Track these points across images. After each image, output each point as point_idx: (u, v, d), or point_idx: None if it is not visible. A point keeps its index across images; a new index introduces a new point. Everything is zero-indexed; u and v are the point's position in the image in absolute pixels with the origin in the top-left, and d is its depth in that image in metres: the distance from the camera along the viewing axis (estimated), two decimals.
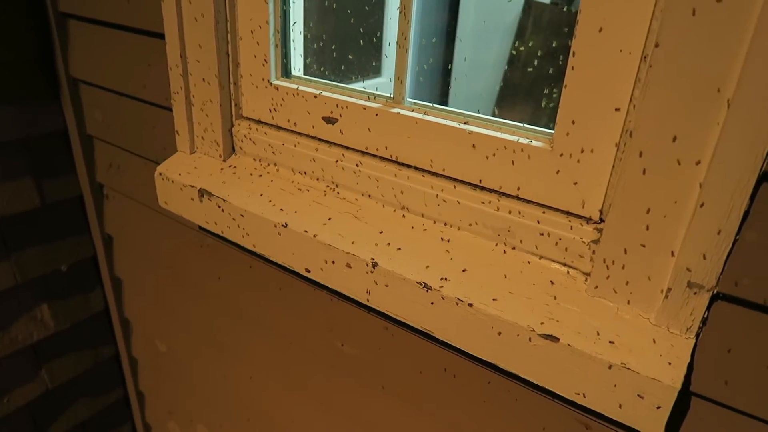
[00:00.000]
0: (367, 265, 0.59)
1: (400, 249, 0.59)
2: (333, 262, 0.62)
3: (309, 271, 0.65)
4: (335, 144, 0.68)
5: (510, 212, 0.55)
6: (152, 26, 0.78)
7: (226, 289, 0.90)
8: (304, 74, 0.73)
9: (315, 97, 0.67)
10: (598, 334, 0.47)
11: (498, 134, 0.55)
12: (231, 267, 0.86)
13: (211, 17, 0.69)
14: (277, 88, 0.70)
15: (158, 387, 1.23)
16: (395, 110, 0.61)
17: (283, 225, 0.65)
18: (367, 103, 0.63)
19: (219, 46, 0.71)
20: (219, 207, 0.72)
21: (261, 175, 0.74)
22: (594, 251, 0.51)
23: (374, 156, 0.65)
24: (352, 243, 0.61)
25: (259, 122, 0.75)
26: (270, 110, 0.73)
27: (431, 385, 0.68)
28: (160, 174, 0.78)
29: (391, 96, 0.62)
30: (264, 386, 0.93)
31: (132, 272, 1.11)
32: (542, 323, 0.49)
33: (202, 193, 0.73)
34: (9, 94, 0.93)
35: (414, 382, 0.70)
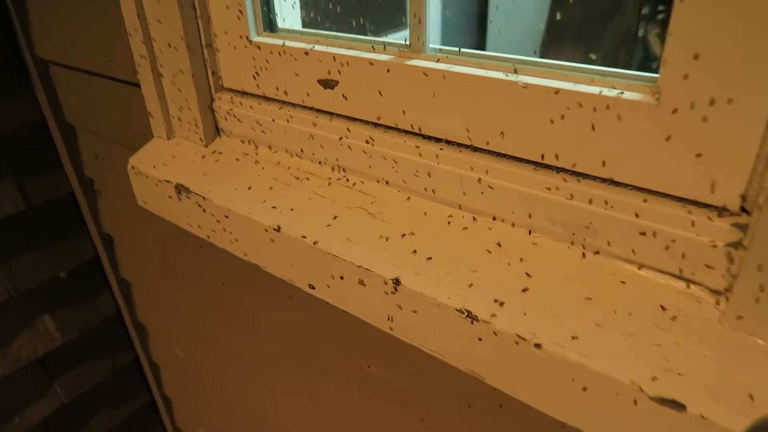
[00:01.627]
0: (386, 283, 0.42)
1: (431, 259, 0.42)
2: (341, 278, 0.46)
3: (313, 288, 0.49)
4: (337, 115, 0.51)
5: (591, 201, 0.37)
6: None
7: (232, 295, 0.75)
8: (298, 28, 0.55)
9: (306, 53, 0.50)
10: (752, 397, 0.29)
11: (566, 85, 0.36)
12: (233, 270, 0.72)
13: None
14: (259, 47, 0.53)
15: (184, 393, 1.12)
16: (413, 62, 0.43)
17: (275, 229, 0.49)
18: (375, 56, 0.45)
19: None
20: (200, 206, 0.56)
21: (254, 162, 0.58)
22: (733, 259, 0.32)
23: (389, 129, 0.48)
24: (365, 251, 0.44)
25: (243, 93, 0.59)
26: (254, 77, 0.56)
27: (483, 423, 0.52)
28: (133, 167, 0.64)
29: (407, 43, 0.44)
30: (286, 402, 0.80)
31: (138, 274, 0.98)
32: (654, 377, 0.31)
33: (179, 189, 0.58)
34: None
35: (461, 418, 0.54)
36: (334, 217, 0.48)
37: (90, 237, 0.99)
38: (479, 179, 0.42)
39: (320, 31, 0.51)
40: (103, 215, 0.95)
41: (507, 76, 0.39)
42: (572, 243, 0.40)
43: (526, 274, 0.39)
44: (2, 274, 0.89)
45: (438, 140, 0.45)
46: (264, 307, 0.70)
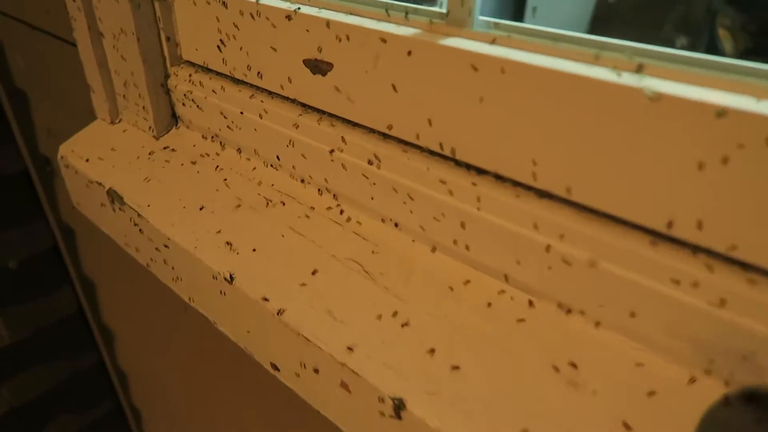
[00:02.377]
0: (382, 401, 0.26)
1: (457, 369, 0.26)
2: (315, 371, 0.29)
3: (278, 369, 0.33)
4: (329, 115, 0.34)
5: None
6: None
7: (198, 319, 0.60)
8: None
9: (288, 17, 0.32)
10: None
11: (730, 99, 0.19)
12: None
13: None
14: (225, 3, 0.36)
15: (155, 406, 0.98)
16: (451, 42, 0.26)
17: (227, 279, 0.33)
18: (391, 28, 0.28)
19: None
20: (135, 224, 0.40)
21: (215, 168, 0.42)
22: None
23: (405, 144, 0.31)
24: (354, 338, 0.28)
25: (205, 70, 0.42)
26: (219, 47, 0.39)
27: None
28: (63, 158, 0.48)
29: (443, 11, 0.27)
30: None
31: (102, 272, 0.83)
32: None
33: (113, 197, 0.41)
34: None
35: None
36: (314, 272, 0.32)
37: (48, 224, 0.84)
38: (547, 246, 0.25)
39: None
40: (62, 202, 0.79)
41: (620, 77, 0.22)
42: (709, 371, 0.23)
43: (624, 424, 0.23)
44: None
45: (481, 172, 0.28)
46: (229, 346, 0.55)
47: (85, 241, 0.82)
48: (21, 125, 0.74)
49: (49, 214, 0.83)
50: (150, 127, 0.45)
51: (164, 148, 0.44)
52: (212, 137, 0.43)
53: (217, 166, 0.41)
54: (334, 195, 0.36)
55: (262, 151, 0.39)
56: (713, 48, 1.27)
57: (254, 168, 0.40)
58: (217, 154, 0.42)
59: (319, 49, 0.32)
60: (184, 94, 0.43)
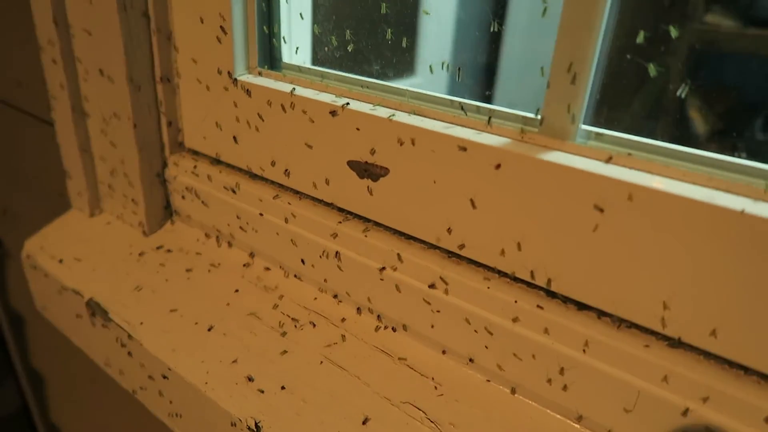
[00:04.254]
0: None
1: None
2: None
3: None
4: (376, 225, 0.29)
5: None
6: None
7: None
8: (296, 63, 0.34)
9: (333, 113, 0.28)
10: None
11: None
12: None
13: None
14: (249, 91, 0.31)
15: None
16: (554, 157, 0.22)
17: (251, 428, 0.26)
18: (469, 134, 0.24)
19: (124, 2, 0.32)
20: (123, 345, 0.33)
21: (227, 275, 0.35)
22: None
23: (483, 269, 0.26)
24: None
25: (215, 161, 0.36)
26: (235, 138, 0.34)
27: None
28: (29, 257, 0.40)
29: (537, 117, 0.23)
30: None
31: (55, 368, 0.73)
32: None
33: (94, 309, 0.34)
34: None
35: None
36: (364, 421, 0.26)
37: None
38: (686, 410, 0.21)
39: (359, 77, 0.29)
40: (12, 286, 0.70)
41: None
42: None
43: None
44: None
45: (582, 307, 0.23)
46: None
47: (34, 332, 0.71)
48: None
49: None
50: (140, 222, 0.39)
51: (158, 247, 0.38)
52: (217, 237, 0.37)
53: (227, 274, 0.35)
54: (378, 316, 0.30)
55: (285, 260, 0.33)
56: (688, 129, 1.31)
57: (275, 279, 0.34)
58: (226, 258, 0.36)
59: (372, 152, 0.27)
60: (186, 187, 0.37)
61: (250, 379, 0.28)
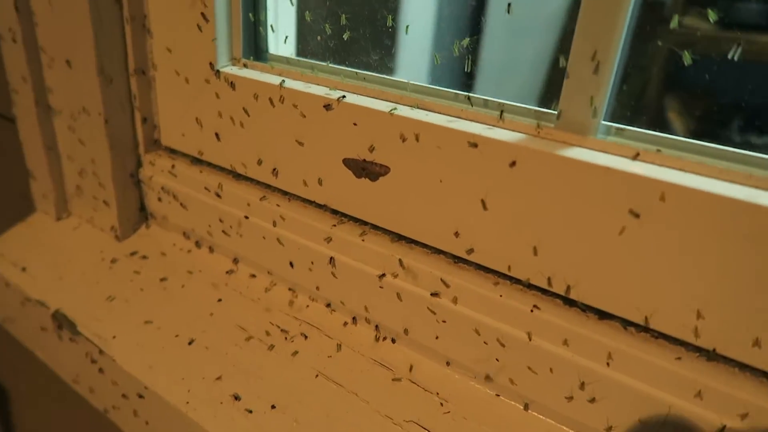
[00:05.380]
0: None
1: None
2: None
3: None
4: (373, 228, 0.27)
5: None
6: None
7: None
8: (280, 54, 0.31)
9: (327, 106, 0.25)
10: None
11: None
12: None
13: None
14: (233, 83, 0.29)
15: None
16: (574, 153, 0.20)
17: None
18: (479, 129, 0.22)
19: None
20: (93, 361, 0.30)
21: (205, 283, 0.33)
22: None
23: (493, 275, 0.24)
24: None
25: (195, 160, 0.34)
26: (217, 135, 0.31)
27: None
28: None
29: (555, 112, 0.21)
30: None
31: (18, 382, 0.68)
32: None
33: (61, 321, 0.31)
34: None
35: None
36: None
37: None
38: (722, 427, 0.19)
39: (355, 70, 0.27)
40: None
41: None
42: None
43: None
44: None
45: (605, 316, 0.21)
46: None
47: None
48: None
49: None
50: (112, 227, 0.36)
51: (132, 253, 0.35)
52: (197, 241, 0.35)
53: (213, 284, 0.32)
54: (376, 326, 0.28)
55: (274, 266, 0.31)
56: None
57: (261, 287, 0.31)
58: (206, 264, 0.33)
59: (371, 149, 0.25)
60: (162, 188, 0.34)
61: (237, 398, 0.26)
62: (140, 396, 0.28)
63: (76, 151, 0.35)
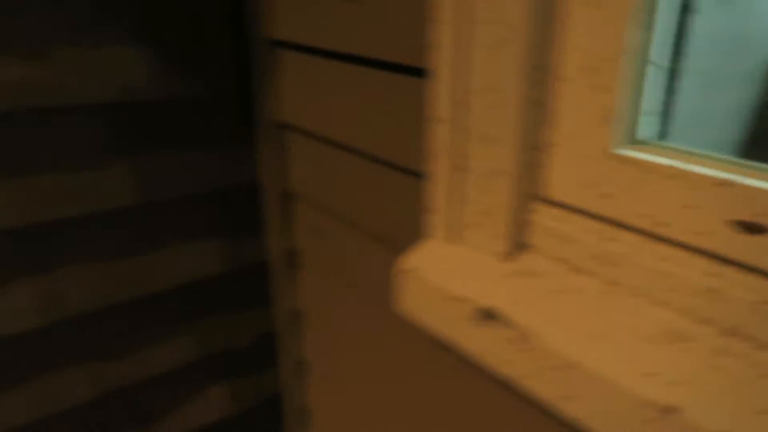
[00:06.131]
0: None
1: None
2: None
3: None
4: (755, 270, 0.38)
5: None
6: (404, 57, 0.55)
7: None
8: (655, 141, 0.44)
9: (719, 184, 0.38)
10: None
11: None
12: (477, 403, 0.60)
13: (520, 40, 0.43)
14: (623, 161, 0.42)
15: None
16: None
17: (663, 409, 0.36)
18: None
19: (523, 90, 0.45)
20: (511, 343, 0.45)
21: (599, 292, 0.46)
22: None
23: None
24: None
25: (577, 211, 0.48)
26: (602, 195, 0.45)
27: None
28: (410, 271, 0.54)
29: None
30: None
31: (320, 355, 0.89)
32: None
33: (485, 313, 0.47)
34: (199, 138, 0.75)
35: None
36: None
37: (272, 310, 0.92)
38: None
39: (719, 156, 0.40)
40: (300, 290, 0.87)
41: None
42: None
43: None
44: (186, 336, 0.82)
45: None
46: None
47: (311, 326, 0.88)
48: (278, 222, 0.83)
49: (279, 301, 0.90)
50: (499, 252, 0.51)
51: (517, 272, 0.50)
52: (578, 270, 0.48)
53: (601, 292, 0.46)
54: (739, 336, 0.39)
55: (653, 291, 0.43)
56: None
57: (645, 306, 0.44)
58: (591, 285, 0.47)
59: (756, 215, 0.37)
60: (546, 227, 0.49)
61: (651, 375, 0.39)
62: (560, 369, 0.42)
63: (479, 198, 0.51)
